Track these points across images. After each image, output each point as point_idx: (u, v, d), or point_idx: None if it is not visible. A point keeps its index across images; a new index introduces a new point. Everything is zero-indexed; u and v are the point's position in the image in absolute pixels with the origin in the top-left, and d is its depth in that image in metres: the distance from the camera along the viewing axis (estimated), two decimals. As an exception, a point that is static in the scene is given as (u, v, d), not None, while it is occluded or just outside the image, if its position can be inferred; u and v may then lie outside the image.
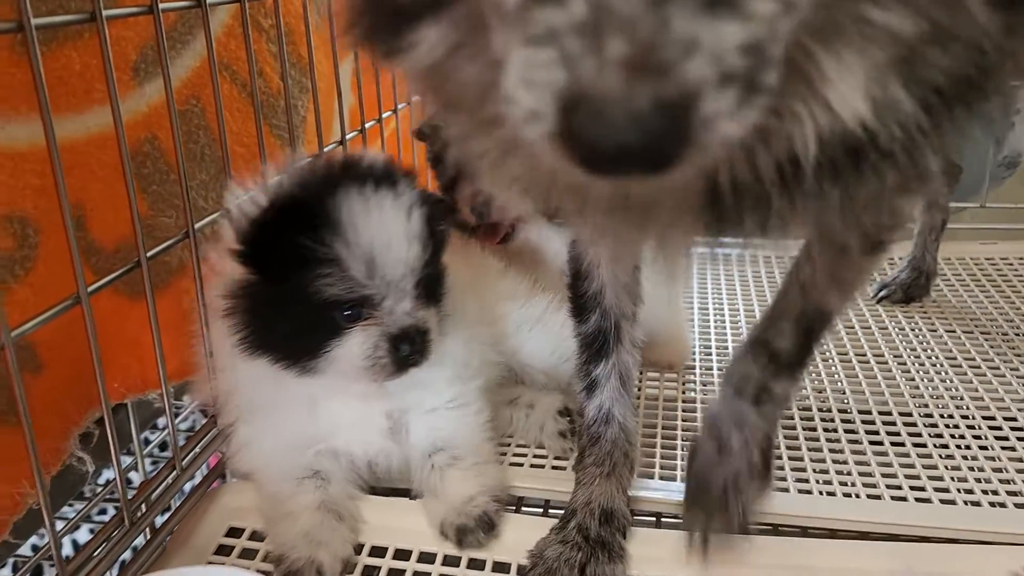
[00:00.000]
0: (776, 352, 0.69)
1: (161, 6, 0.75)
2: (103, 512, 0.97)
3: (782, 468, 0.88)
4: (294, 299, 0.72)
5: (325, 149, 1.11)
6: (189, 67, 0.94)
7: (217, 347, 0.84)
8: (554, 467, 0.90)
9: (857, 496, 0.83)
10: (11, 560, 0.85)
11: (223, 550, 0.77)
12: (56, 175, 0.65)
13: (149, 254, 0.76)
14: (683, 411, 1.01)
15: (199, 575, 0.68)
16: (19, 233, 0.77)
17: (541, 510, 0.86)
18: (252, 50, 0.90)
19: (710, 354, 1.16)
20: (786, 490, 0.84)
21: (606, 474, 0.78)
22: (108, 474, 1.10)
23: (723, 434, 0.70)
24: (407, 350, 0.74)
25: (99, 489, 0.97)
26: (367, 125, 1.22)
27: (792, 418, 0.98)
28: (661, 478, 0.88)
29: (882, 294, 1.32)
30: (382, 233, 0.72)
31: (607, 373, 0.78)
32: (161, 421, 1.16)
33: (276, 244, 0.71)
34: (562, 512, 0.79)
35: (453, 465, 0.81)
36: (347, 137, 1.15)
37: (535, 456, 0.92)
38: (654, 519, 0.83)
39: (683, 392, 1.06)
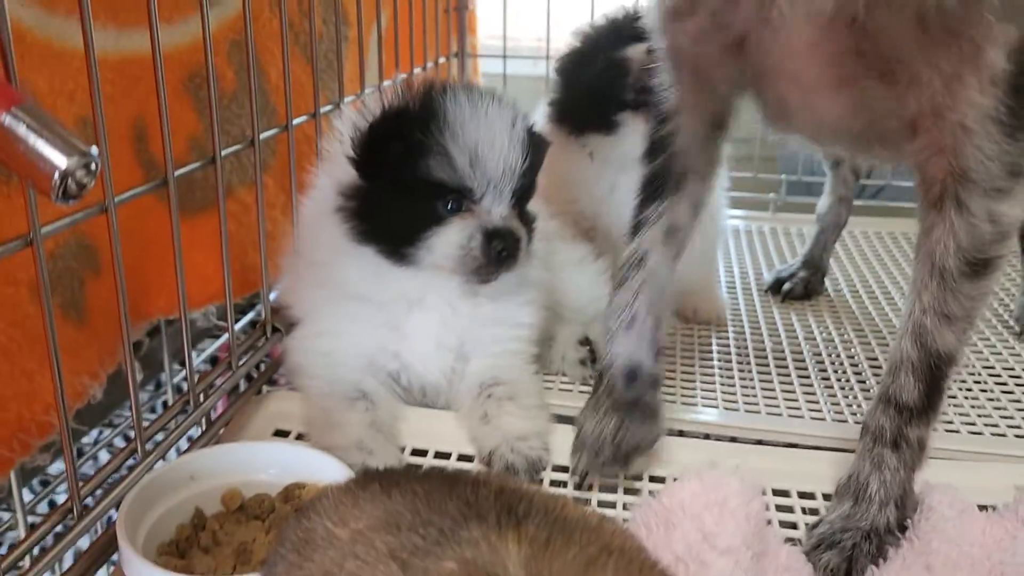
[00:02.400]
0: (903, 405, 0.67)
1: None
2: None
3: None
4: (402, 191, 0.79)
5: (366, 91, 1.15)
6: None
7: (301, 236, 0.89)
8: (581, 391, 0.95)
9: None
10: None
11: (271, 448, 0.81)
12: (157, 74, 0.67)
13: (223, 153, 0.79)
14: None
15: (264, 449, 0.72)
16: (91, 136, 0.81)
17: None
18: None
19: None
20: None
21: (628, 324, 0.76)
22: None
23: (861, 480, 0.68)
24: (499, 246, 0.78)
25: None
26: (400, 77, 1.26)
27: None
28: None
29: (785, 288, 1.27)
30: (487, 133, 0.78)
31: (654, 218, 0.76)
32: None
33: (390, 139, 0.78)
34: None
35: (512, 400, 0.84)
36: (383, 85, 1.19)
37: (562, 382, 0.97)
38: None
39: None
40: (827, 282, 1.31)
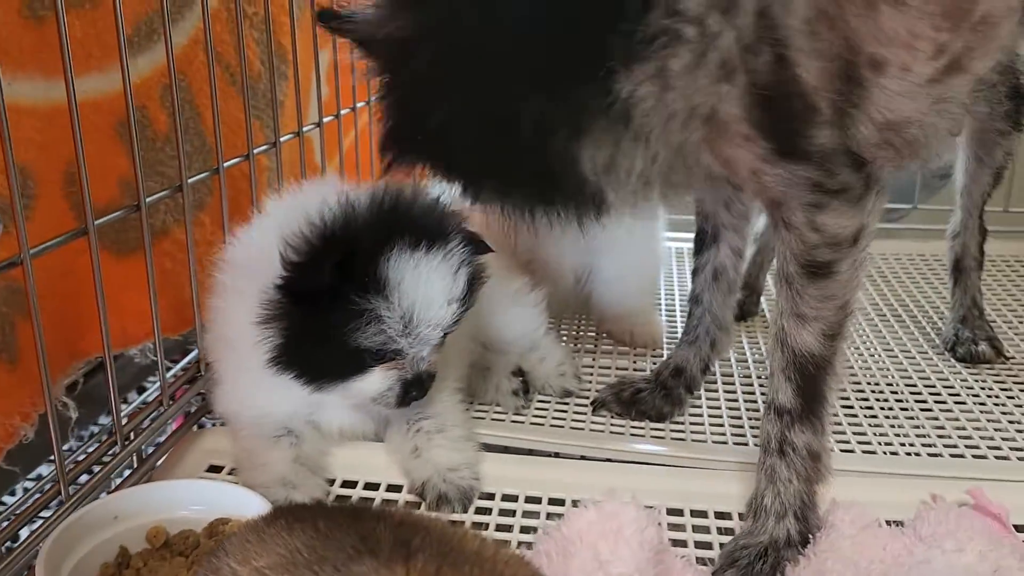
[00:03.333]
0: (781, 407, 0.72)
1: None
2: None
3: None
4: (327, 335, 0.75)
5: (304, 129, 1.18)
6: (177, 44, 1.00)
7: (216, 309, 0.89)
8: (513, 421, 0.98)
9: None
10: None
11: (204, 482, 0.83)
12: (73, 121, 0.70)
13: (149, 199, 0.82)
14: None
15: (189, 487, 0.73)
16: (20, 183, 0.82)
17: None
18: (243, 31, 0.97)
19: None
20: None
21: (688, 342, 0.99)
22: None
23: (759, 495, 0.73)
24: (414, 395, 0.79)
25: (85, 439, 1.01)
26: (343, 112, 1.29)
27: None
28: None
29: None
30: (425, 295, 0.75)
31: (702, 265, 0.97)
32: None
33: (320, 291, 0.73)
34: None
35: (441, 432, 0.85)
36: (323, 120, 1.22)
37: (495, 412, 1.00)
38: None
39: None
40: (763, 303, 1.35)
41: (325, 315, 0.74)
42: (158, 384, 0.88)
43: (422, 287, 0.74)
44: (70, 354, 0.95)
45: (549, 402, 1.03)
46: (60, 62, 0.86)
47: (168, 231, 1.02)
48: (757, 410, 1.01)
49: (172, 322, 1.00)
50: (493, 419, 0.98)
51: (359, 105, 1.36)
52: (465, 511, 0.80)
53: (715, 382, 1.08)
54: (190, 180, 0.90)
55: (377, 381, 0.78)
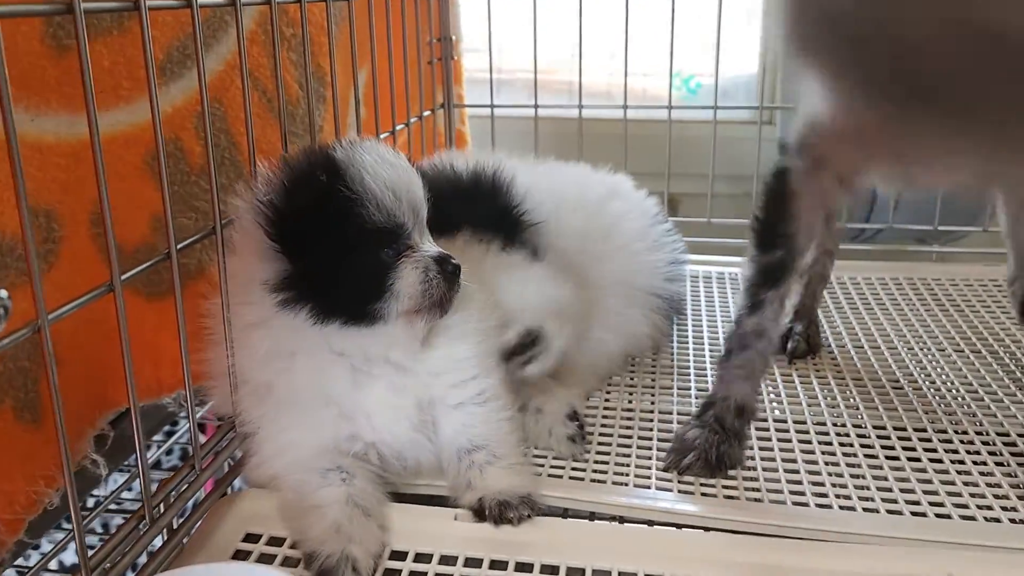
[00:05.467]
0: None
1: (200, 0, 0.75)
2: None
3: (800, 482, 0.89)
4: (341, 253, 0.78)
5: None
6: (212, 71, 0.94)
7: (240, 350, 0.84)
8: (572, 477, 0.90)
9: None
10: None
11: (240, 555, 0.76)
12: (97, 166, 0.64)
13: (179, 246, 0.75)
14: (659, 422, 1.02)
15: (223, 571, 0.66)
16: (44, 226, 0.77)
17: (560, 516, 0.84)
18: (279, 55, 0.90)
19: (687, 372, 1.16)
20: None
21: (745, 376, 0.92)
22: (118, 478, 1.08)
23: None
24: (450, 267, 0.81)
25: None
26: (382, 136, 1.22)
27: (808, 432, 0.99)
28: (636, 485, 0.89)
29: (789, 347, 1.23)
30: (391, 170, 0.80)
31: (772, 298, 0.89)
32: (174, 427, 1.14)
33: (313, 204, 0.77)
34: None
35: (493, 463, 0.83)
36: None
37: (552, 467, 0.92)
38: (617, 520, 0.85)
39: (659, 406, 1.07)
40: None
41: (330, 236, 0.77)
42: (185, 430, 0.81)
43: (384, 164, 0.80)
44: (99, 405, 0.89)
45: (610, 452, 0.95)
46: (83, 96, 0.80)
47: (204, 270, 0.95)
48: (815, 462, 0.93)
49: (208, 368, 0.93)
50: (550, 475, 0.90)
51: (399, 128, 1.29)
52: (529, 517, 0.79)
53: (766, 428, 1.00)
54: (224, 224, 0.82)
55: (412, 270, 0.80)
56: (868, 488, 0.87)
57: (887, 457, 0.93)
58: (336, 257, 0.79)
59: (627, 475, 0.90)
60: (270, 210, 0.79)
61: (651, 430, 1.00)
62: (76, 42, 0.76)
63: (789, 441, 0.97)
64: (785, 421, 1.01)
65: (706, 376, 1.14)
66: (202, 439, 0.89)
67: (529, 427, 0.95)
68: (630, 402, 1.07)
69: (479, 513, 0.80)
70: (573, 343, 0.98)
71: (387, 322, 0.80)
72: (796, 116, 0.86)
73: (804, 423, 1.01)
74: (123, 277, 0.69)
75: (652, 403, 1.06)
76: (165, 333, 0.93)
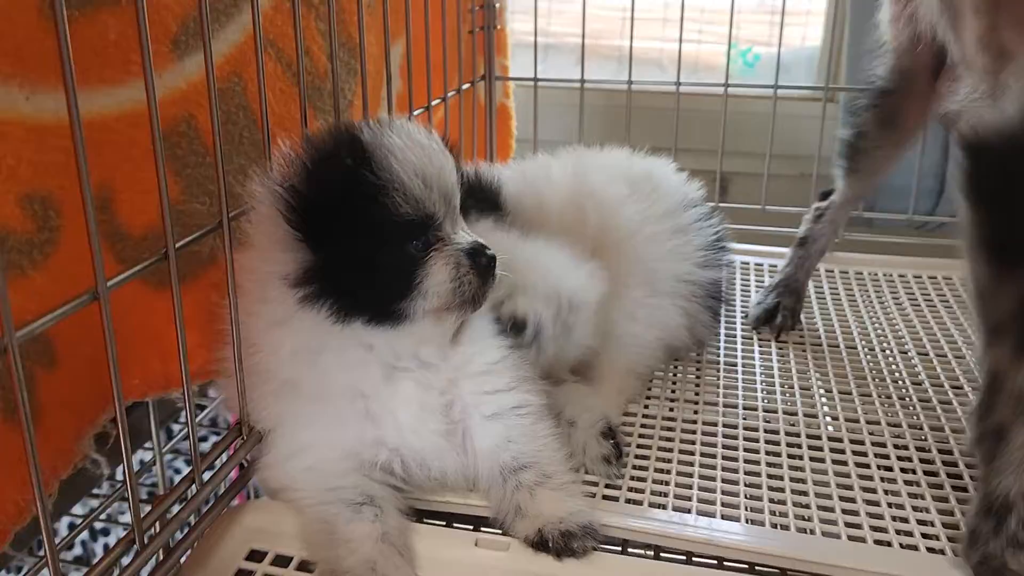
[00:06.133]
0: None
1: (208, -30, 0.68)
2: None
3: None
4: (367, 246, 0.72)
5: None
6: (233, 42, 0.87)
7: (255, 343, 0.78)
8: (605, 496, 0.83)
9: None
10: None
11: (242, 575, 0.70)
12: (78, 153, 0.57)
13: (177, 245, 0.69)
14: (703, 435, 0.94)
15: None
16: (40, 214, 0.71)
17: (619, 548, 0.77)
18: (300, 26, 0.82)
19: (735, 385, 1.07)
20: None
21: None
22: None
23: None
24: (485, 260, 0.74)
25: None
26: (415, 112, 1.14)
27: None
28: (675, 508, 0.81)
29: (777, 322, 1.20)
30: (420, 153, 0.73)
31: None
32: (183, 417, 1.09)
33: (338, 189, 0.71)
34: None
35: (544, 484, 0.76)
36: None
37: (584, 481, 0.85)
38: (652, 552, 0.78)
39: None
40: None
41: (357, 227, 0.72)
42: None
43: (413, 147, 0.73)
44: (100, 403, 0.84)
45: (647, 468, 0.88)
46: (90, 71, 0.74)
47: (216, 259, 0.89)
48: (871, 489, 0.84)
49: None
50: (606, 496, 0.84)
51: (434, 103, 1.21)
52: (594, 549, 0.73)
53: (820, 448, 0.92)
54: (233, 216, 0.76)
55: (442, 265, 0.73)
56: (933, 524, 0.79)
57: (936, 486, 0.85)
58: (360, 250, 0.73)
59: (666, 495, 0.83)
60: (291, 195, 0.73)
61: (693, 443, 0.92)
62: (76, 12, 0.70)
63: (845, 463, 0.89)
64: (841, 440, 0.93)
65: (755, 380, 1.05)
66: (209, 443, 0.83)
67: (562, 440, 0.87)
68: (671, 409, 0.99)
69: (538, 544, 0.73)
70: (595, 336, 0.91)
71: (414, 321, 0.74)
72: None
73: (862, 443, 0.93)
74: (110, 283, 0.62)
75: (695, 412, 0.99)
76: (174, 327, 0.88)
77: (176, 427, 1.22)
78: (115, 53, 0.75)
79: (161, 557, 0.68)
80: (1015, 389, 0.71)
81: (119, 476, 0.98)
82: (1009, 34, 0.74)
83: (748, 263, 1.44)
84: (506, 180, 0.99)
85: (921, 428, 0.96)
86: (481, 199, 0.93)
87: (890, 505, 0.82)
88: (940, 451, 0.91)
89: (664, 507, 0.81)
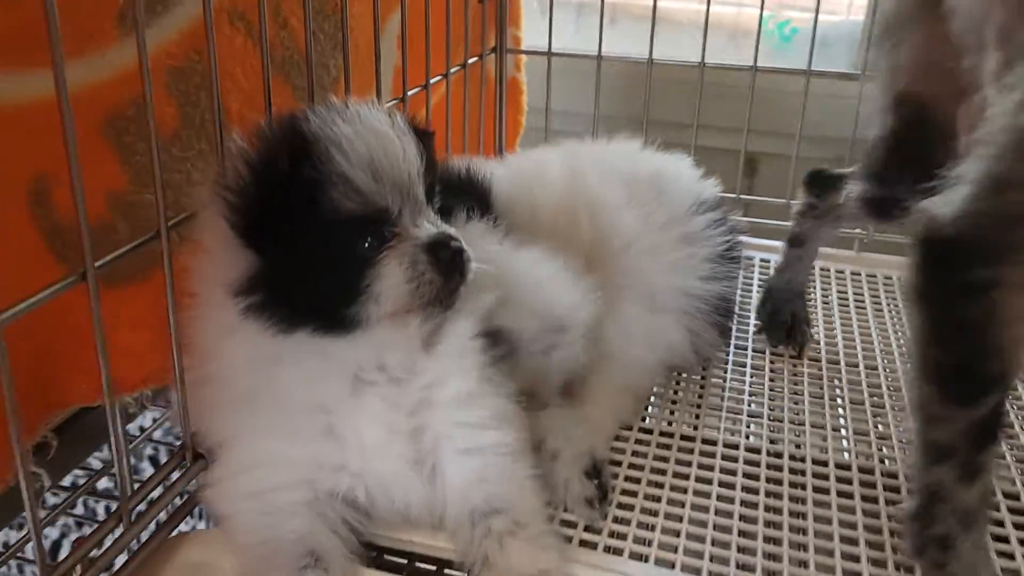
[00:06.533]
0: None
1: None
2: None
3: None
4: (312, 247, 0.65)
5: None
6: (192, 15, 0.78)
7: (207, 352, 0.72)
8: (607, 547, 0.75)
9: None
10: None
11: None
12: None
13: (98, 264, 0.61)
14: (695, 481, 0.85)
15: None
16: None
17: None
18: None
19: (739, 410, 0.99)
20: None
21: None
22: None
23: None
24: (447, 254, 0.66)
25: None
26: (410, 92, 1.05)
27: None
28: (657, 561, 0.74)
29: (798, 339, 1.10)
30: (373, 140, 0.66)
31: (996, 453, 0.66)
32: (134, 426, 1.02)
33: (273, 188, 0.64)
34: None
35: (515, 534, 0.69)
36: (407, 95, 0.99)
37: (563, 522, 0.77)
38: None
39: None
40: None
41: (299, 227, 0.64)
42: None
43: (364, 133, 0.66)
44: (52, 403, 0.77)
45: (632, 506, 0.80)
46: (19, 50, 0.66)
47: (173, 253, 0.81)
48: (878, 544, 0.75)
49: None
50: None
51: (434, 80, 1.11)
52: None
53: (850, 483, 0.83)
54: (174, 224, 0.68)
55: (395, 264, 0.66)
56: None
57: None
58: (302, 254, 0.65)
59: (650, 542, 0.76)
60: (232, 196, 0.66)
61: (685, 492, 0.83)
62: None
63: (852, 511, 0.80)
64: (851, 495, 0.84)
65: (762, 411, 0.97)
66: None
67: (542, 472, 0.79)
68: (667, 447, 0.91)
69: None
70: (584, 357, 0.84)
71: (366, 328, 0.67)
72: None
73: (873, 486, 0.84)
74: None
75: (691, 452, 0.90)
76: (124, 328, 0.81)
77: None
78: (43, 32, 0.67)
79: (79, 605, 0.61)
80: (961, 506, 0.66)
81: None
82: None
83: (768, 261, 1.34)
84: (499, 179, 0.90)
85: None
86: (469, 198, 0.84)
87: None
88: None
89: (646, 559, 0.73)
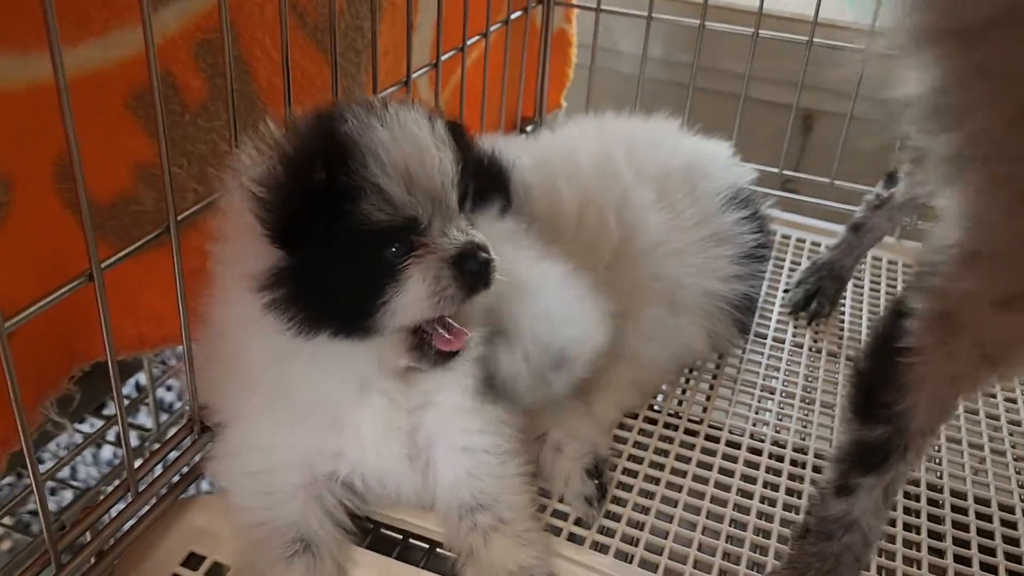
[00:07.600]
0: None
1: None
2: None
3: None
4: (340, 252, 0.65)
5: (391, 89, 0.95)
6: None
7: (225, 333, 0.73)
8: (594, 544, 0.78)
9: None
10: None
11: (176, 581, 0.69)
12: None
13: (104, 264, 0.64)
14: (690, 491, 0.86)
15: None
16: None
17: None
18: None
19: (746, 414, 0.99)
20: None
21: (826, 571, 0.69)
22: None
23: None
24: (475, 266, 0.66)
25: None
26: (445, 56, 1.03)
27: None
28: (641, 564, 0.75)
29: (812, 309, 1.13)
30: (409, 146, 0.65)
31: (871, 486, 0.67)
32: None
33: (306, 192, 0.63)
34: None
35: (499, 530, 0.72)
36: (414, 75, 0.97)
37: (555, 513, 0.80)
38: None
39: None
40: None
41: (328, 231, 0.64)
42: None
43: (401, 139, 0.65)
44: (75, 356, 0.81)
45: (624, 503, 0.81)
46: (42, 32, 0.66)
47: (195, 221, 0.83)
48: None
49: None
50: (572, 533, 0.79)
51: (471, 41, 1.09)
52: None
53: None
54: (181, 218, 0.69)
55: (418, 279, 0.65)
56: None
57: None
58: (328, 259, 0.66)
59: (637, 542, 0.78)
60: (261, 191, 0.65)
61: (680, 491, 0.84)
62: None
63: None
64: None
65: (769, 410, 0.97)
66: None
67: (544, 465, 0.82)
68: (664, 455, 0.92)
69: None
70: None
71: (386, 335, 0.68)
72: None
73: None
74: (104, 264, 0.64)
75: (689, 461, 0.91)
76: (149, 290, 0.84)
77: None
78: (71, 8, 0.67)
79: (94, 561, 0.66)
80: (823, 513, 0.69)
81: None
82: None
83: (804, 240, 1.32)
84: (524, 168, 0.88)
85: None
86: (489, 184, 0.83)
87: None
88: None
89: (631, 559, 0.76)
